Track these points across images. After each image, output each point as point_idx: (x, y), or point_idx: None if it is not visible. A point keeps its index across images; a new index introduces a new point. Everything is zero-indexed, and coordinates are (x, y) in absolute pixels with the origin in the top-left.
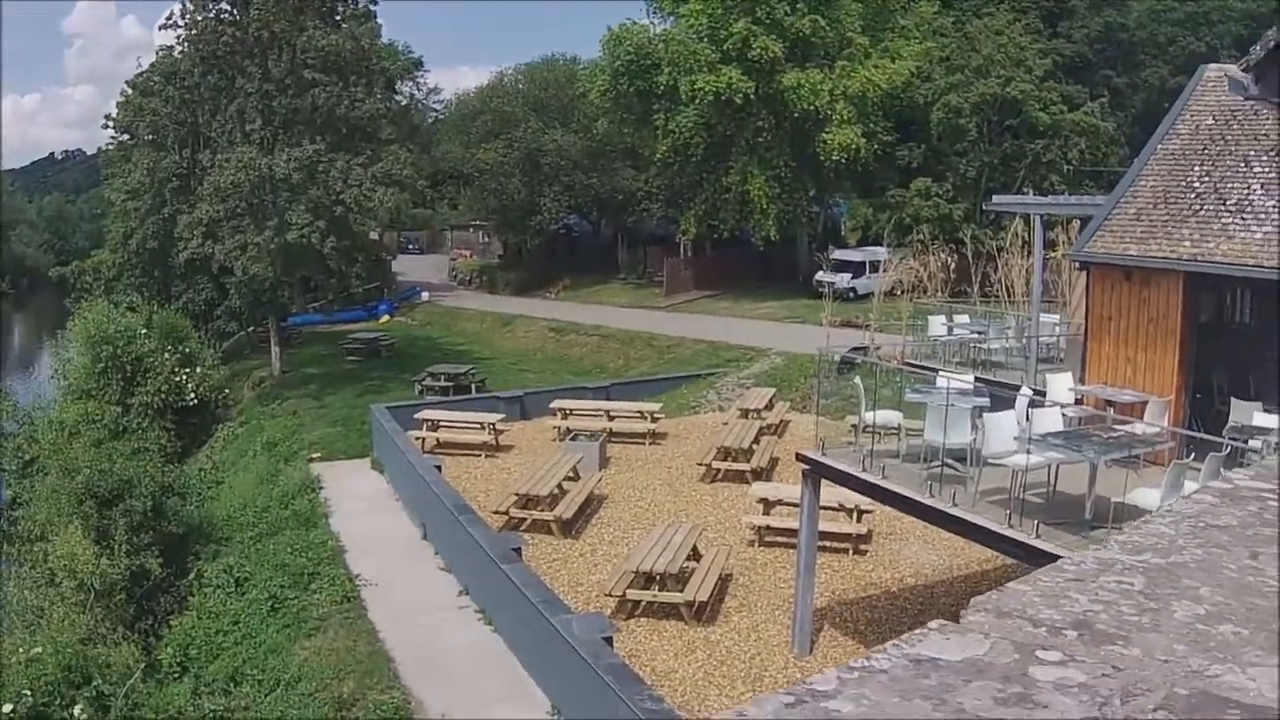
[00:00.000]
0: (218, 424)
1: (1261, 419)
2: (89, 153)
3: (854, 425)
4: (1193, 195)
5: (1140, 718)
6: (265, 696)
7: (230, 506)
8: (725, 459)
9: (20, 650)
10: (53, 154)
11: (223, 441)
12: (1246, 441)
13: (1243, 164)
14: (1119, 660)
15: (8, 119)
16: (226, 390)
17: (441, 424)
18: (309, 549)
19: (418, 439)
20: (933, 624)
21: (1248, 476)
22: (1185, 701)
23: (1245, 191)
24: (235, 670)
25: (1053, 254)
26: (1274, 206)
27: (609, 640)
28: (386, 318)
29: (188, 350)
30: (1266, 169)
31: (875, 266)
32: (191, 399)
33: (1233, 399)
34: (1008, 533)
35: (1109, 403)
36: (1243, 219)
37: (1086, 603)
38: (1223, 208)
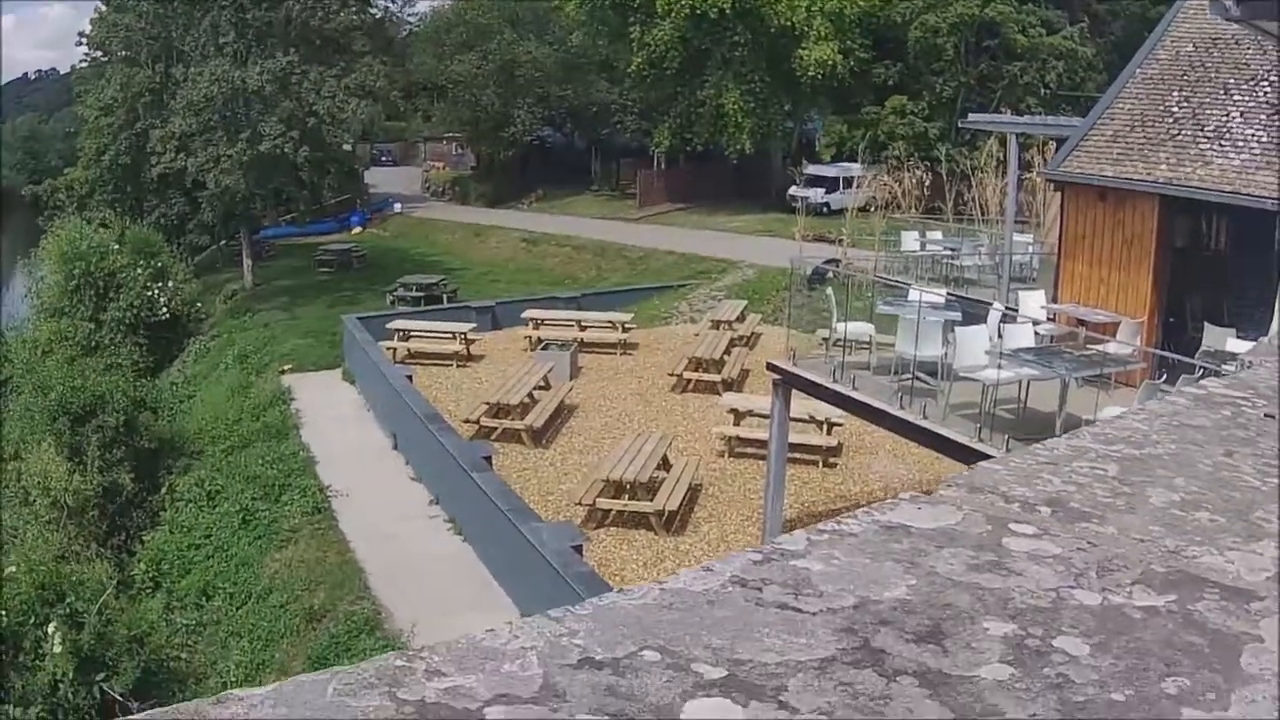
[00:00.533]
0: (190, 338)
1: (1235, 345)
2: (63, 71)
3: (825, 338)
4: (1170, 120)
5: (1116, 590)
6: (237, 610)
7: (202, 420)
8: (696, 369)
9: None
10: (26, 74)
11: (195, 355)
12: (1220, 366)
13: (1222, 91)
14: (1094, 536)
15: None
16: (199, 304)
17: (413, 334)
18: (280, 461)
19: (389, 349)
20: (904, 494)
21: (1222, 385)
22: (1162, 578)
23: (1224, 119)
24: (207, 584)
25: (1028, 174)
26: (1253, 135)
27: (578, 549)
28: (359, 229)
29: (160, 265)
30: (1246, 97)
31: (849, 182)
32: (164, 313)
33: (1206, 324)
34: (978, 446)
35: (1081, 321)
36: (1220, 145)
37: (1060, 483)
38: (1200, 134)
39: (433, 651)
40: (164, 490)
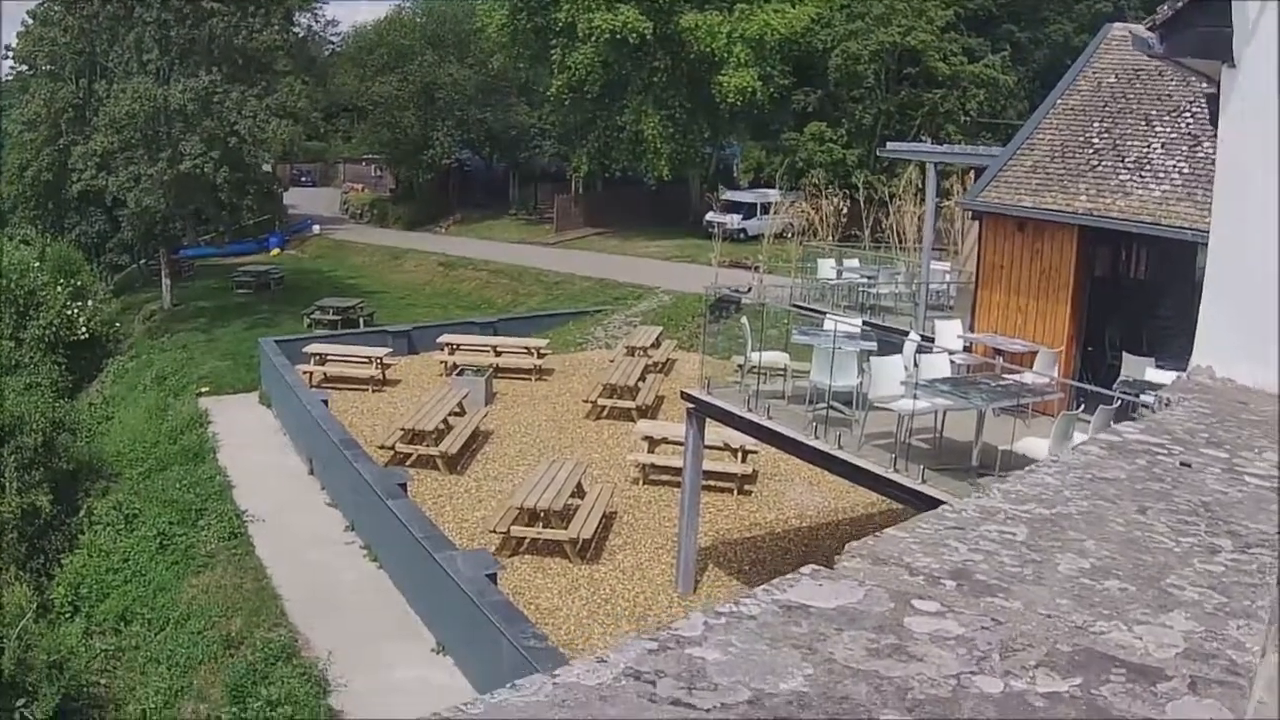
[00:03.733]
0: (109, 358)
1: (1154, 374)
2: None
3: (740, 365)
4: (1091, 151)
5: (1020, 673)
6: (155, 635)
7: (120, 442)
8: (611, 396)
9: None
10: None
11: (113, 376)
12: (1138, 395)
13: (1144, 123)
14: (999, 613)
15: None
16: (118, 324)
17: (329, 358)
18: (197, 485)
19: (305, 373)
20: (805, 569)
21: (1137, 430)
22: (1068, 658)
23: (1145, 150)
24: (125, 609)
25: (946, 203)
26: (1174, 166)
27: (493, 577)
28: (277, 250)
29: (80, 283)
30: (1168, 128)
31: (766, 208)
32: (83, 333)
33: (1125, 353)
34: (893, 477)
35: (998, 351)
36: (1141, 177)
37: (966, 551)
38: (1121, 165)
39: None
40: (82, 513)
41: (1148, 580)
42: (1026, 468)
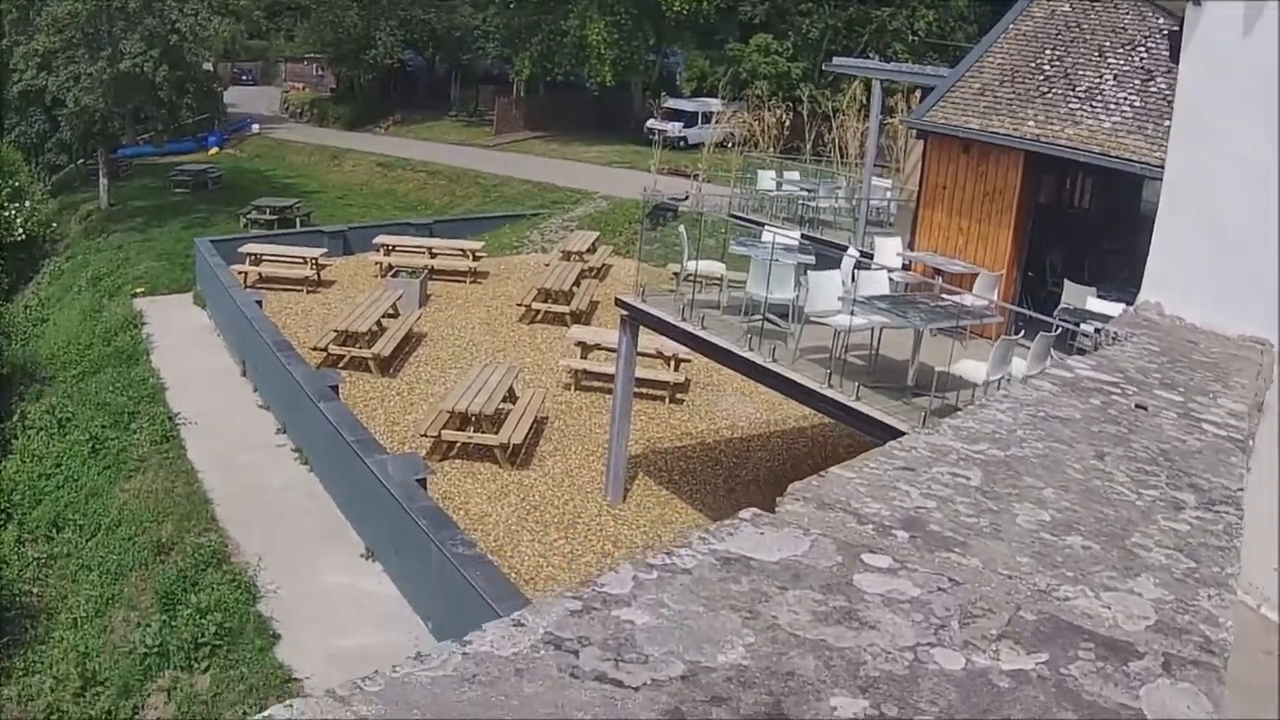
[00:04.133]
0: (45, 259)
1: (1095, 304)
2: None
3: (676, 273)
4: (1041, 78)
5: (982, 645)
6: (87, 542)
7: (55, 344)
8: (545, 300)
9: None
10: None
11: (49, 277)
12: (1078, 324)
13: (1097, 54)
14: (956, 571)
15: None
16: (55, 224)
17: (264, 258)
18: (130, 387)
19: (240, 273)
20: (745, 513)
21: (1089, 366)
22: (1033, 628)
23: (1097, 80)
24: (57, 515)
25: (890, 120)
26: (1125, 99)
27: (423, 482)
28: (216, 150)
29: (18, 184)
30: (1121, 61)
31: (708, 118)
32: (20, 234)
33: (1066, 281)
34: (827, 392)
35: (938, 271)
36: (1091, 107)
37: (918, 497)
38: (1071, 94)
39: None
40: (16, 418)
41: (1111, 538)
42: (977, 402)
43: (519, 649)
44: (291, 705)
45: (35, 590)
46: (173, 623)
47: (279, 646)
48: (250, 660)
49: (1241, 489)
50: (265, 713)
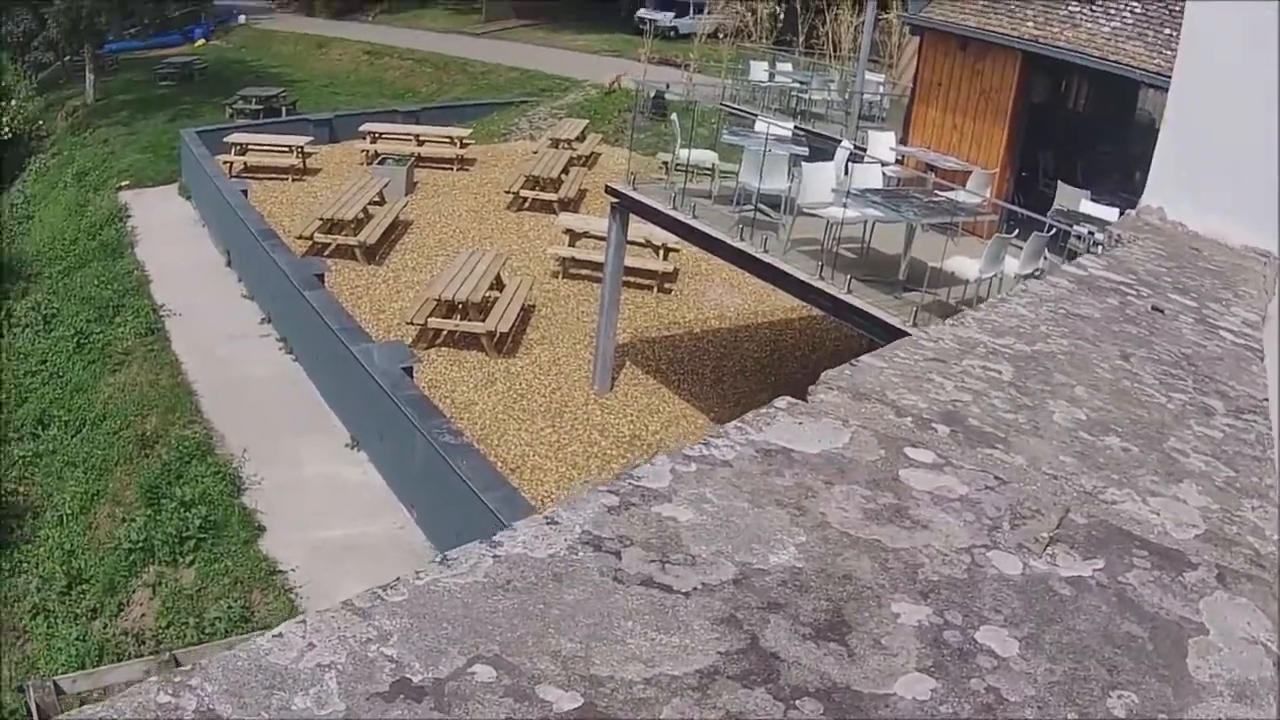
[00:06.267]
0: (31, 156)
1: (1089, 207)
2: None
3: (666, 162)
4: None
5: (1035, 549)
6: (72, 437)
7: (40, 241)
8: (533, 188)
9: None
10: None
11: (35, 174)
12: (1071, 226)
13: None
14: (1001, 469)
15: None
16: (40, 122)
17: (250, 147)
18: (115, 280)
19: (225, 163)
20: (780, 402)
21: (1101, 266)
22: (1085, 533)
23: None
24: (43, 412)
25: (885, 15)
26: (1125, 4)
27: (409, 370)
28: (202, 41)
29: (4, 83)
30: None
31: (700, 8)
32: (6, 133)
33: (1059, 183)
34: (817, 284)
35: (930, 167)
36: (1091, 11)
37: (953, 390)
38: None
39: (206, 675)
40: (1, 315)
41: (1149, 441)
42: (997, 296)
43: (555, 550)
44: (304, 621)
45: (21, 490)
46: (157, 517)
47: (263, 539)
48: (235, 553)
49: (1266, 399)
50: (278, 628)
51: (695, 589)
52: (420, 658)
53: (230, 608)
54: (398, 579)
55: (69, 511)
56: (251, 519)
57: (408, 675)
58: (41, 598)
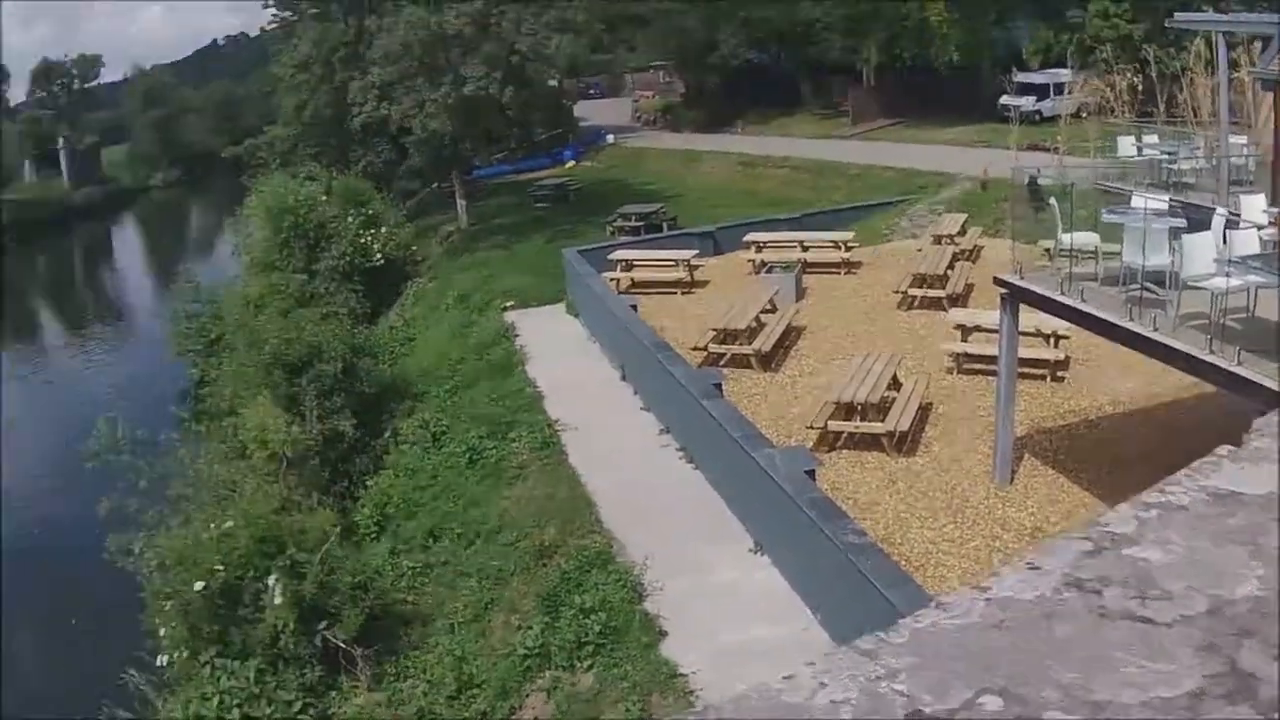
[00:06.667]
0: (407, 281)
1: None
2: (251, 35)
3: (1048, 249)
4: None
5: None
6: (465, 549)
7: (424, 362)
8: (921, 286)
9: (212, 526)
10: (215, 40)
11: (413, 298)
12: None
13: None
14: None
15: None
16: (414, 248)
17: (635, 263)
18: (506, 397)
19: (612, 280)
20: (1221, 450)
21: None
22: None
23: None
24: (434, 526)
25: (1236, 73)
26: None
27: (811, 474)
28: (572, 163)
29: (371, 212)
30: None
31: (1059, 89)
32: (379, 259)
33: None
34: (1209, 358)
35: None
36: None
37: None
38: None
39: (720, 713)
40: (387, 434)
41: None
42: None
43: (1041, 591)
44: (812, 663)
45: (410, 598)
46: (555, 624)
47: (665, 643)
48: (635, 658)
49: None
50: (785, 676)
51: (1175, 620)
52: (930, 691)
53: (629, 710)
54: (898, 622)
55: (461, 619)
56: (652, 624)
57: (920, 708)
58: (429, 701)
